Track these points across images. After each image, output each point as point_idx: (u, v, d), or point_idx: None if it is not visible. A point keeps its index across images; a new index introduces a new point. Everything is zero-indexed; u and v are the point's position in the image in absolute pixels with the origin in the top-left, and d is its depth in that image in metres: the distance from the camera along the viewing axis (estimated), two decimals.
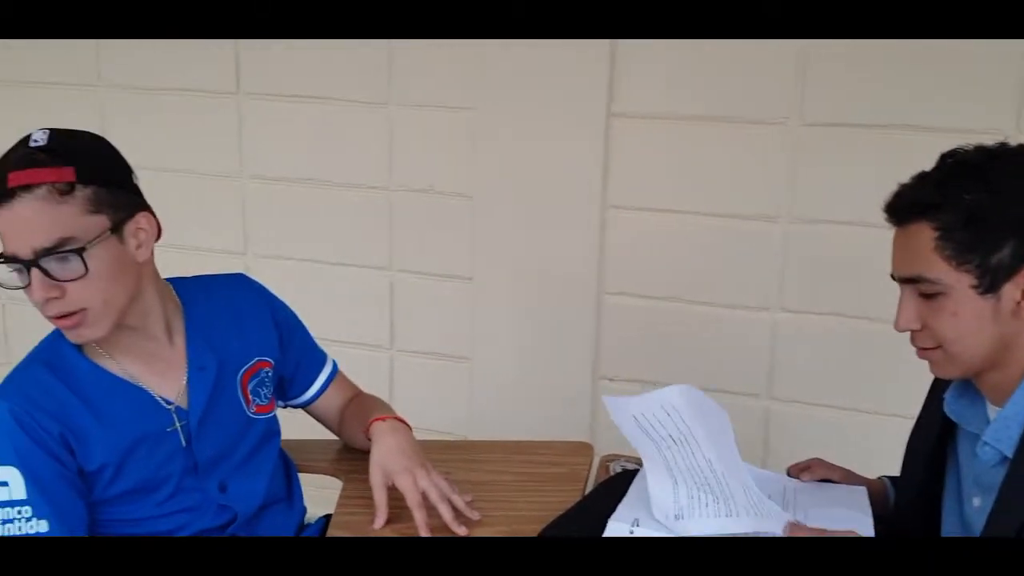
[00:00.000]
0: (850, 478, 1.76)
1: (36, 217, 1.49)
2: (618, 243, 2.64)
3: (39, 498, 1.55)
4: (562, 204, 2.63)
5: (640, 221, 2.61)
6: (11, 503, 1.54)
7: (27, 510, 1.55)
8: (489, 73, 2.60)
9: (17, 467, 1.55)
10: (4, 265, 1.52)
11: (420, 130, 2.73)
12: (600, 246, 2.64)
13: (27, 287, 1.52)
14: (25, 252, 1.50)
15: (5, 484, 1.55)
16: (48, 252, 1.50)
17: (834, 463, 1.78)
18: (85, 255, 1.52)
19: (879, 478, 1.78)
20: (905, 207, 1.43)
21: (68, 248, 1.51)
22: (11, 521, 1.54)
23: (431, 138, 2.73)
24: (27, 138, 1.53)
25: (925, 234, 1.40)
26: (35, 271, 1.51)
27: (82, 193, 1.51)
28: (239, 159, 2.91)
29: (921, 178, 1.45)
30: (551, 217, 2.65)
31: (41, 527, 1.55)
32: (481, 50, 2.58)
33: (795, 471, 1.76)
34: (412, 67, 2.69)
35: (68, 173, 1.50)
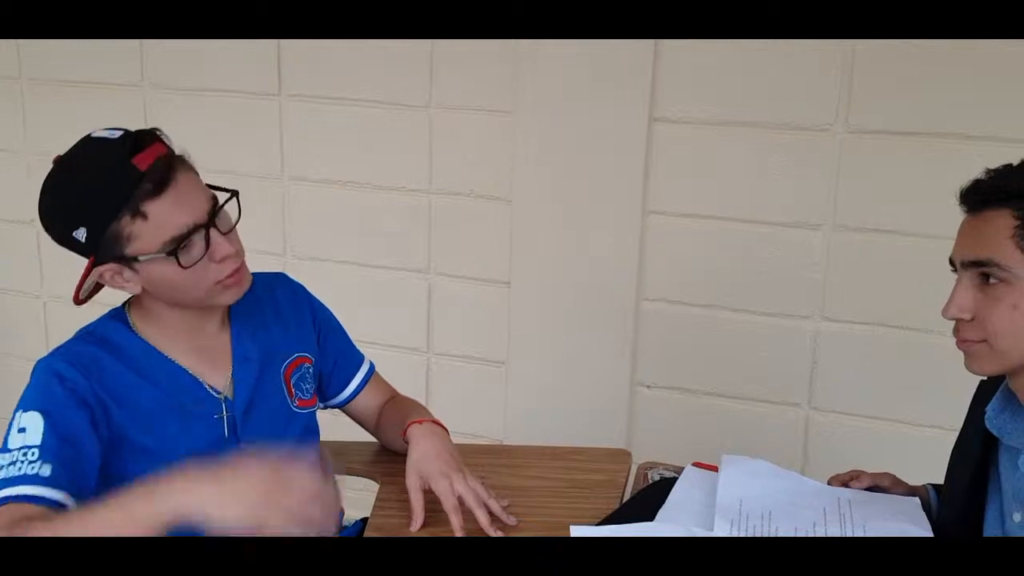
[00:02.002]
0: (897, 484, 1.73)
1: (194, 184, 1.58)
2: (657, 249, 2.63)
3: (51, 444, 1.51)
4: (602, 209, 2.62)
5: (680, 227, 2.60)
6: (22, 447, 1.51)
7: (34, 452, 1.50)
8: (530, 77, 2.60)
9: (41, 413, 1.53)
10: (185, 240, 1.55)
11: (460, 133, 2.73)
12: (639, 252, 2.63)
13: (203, 255, 1.56)
14: (201, 216, 1.56)
15: (23, 431, 1.53)
16: (215, 208, 1.59)
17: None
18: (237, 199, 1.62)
19: (923, 486, 1.76)
20: (987, 193, 1.40)
21: (224, 200, 1.62)
22: (14, 463, 1.49)
23: (471, 141, 2.73)
24: (100, 139, 1.56)
25: (1004, 221, 1.37)
26: (213, 230, 1.57)
27: (191, 164, 1.61)
28: (280, 161, 2.92)
29: (1008, 167, 1.42)
30: (590, 222, 2.64)
31: (44, 471, 1.49)
32: (522, 54, 2.58)
33: (836, 483, 1.74)
34: (453, 70, 2.70)
35: (165, 148, 1.59)
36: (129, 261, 1.56)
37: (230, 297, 1.64)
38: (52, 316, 3.29)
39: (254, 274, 1.84)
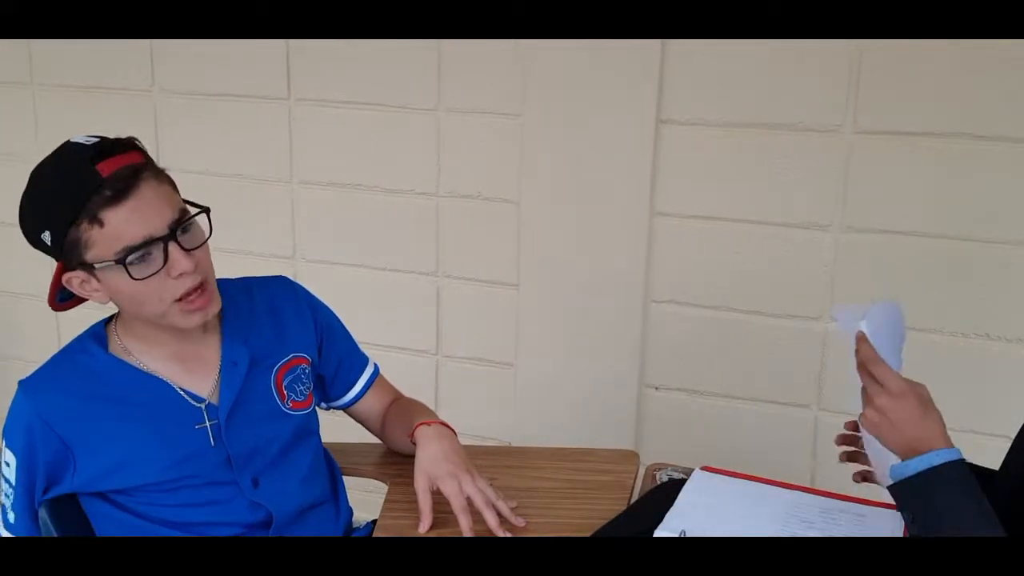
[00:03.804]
0: None
1: (159, 196, 1.55)
2: (665, 251, 2.63)
3: (20, 491, 1.64)
4: (610, 211, 2.62)
5: (688, 229, 2.60)
6: (7, 480, 1.65)
7: (11, 494, 1.64)
8: (537, 80, 2.60)
9: (16, 456, 1.63)
10: (139, 252, 1.53)
11: (468, 136, 2.74)
12: (647, 253, 2.63)
13: (160, 269, 1.55)
14: (160, 229, 1.54)
15: (8, 464, 1.64)
16: (179, 222, 1.56)
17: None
18: (207, 217, 1.61)
19: None
20: None
21: (192, 215, 1.59)
22: (4, 495, 1.65)
23: (479, 144, 2.73)
24: (74, 143, 1.56)
25: None
26: (172, 245, 1.55)
27: (166, 176, 1.60)
28: (289, 164, 2.93)
29: None
30: (598, 224, 2.64)
31: (11, 517, 1.65)
32: (529, 56, 2.58)
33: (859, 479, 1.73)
34: (461, 73, 2.70)
35: (140, 156, 1.57)
36: (90, 268, 1.56)
37: (192, 322, 1.62)
38: (63, 321, 3.29)
39: (252, 279, 1.85)
